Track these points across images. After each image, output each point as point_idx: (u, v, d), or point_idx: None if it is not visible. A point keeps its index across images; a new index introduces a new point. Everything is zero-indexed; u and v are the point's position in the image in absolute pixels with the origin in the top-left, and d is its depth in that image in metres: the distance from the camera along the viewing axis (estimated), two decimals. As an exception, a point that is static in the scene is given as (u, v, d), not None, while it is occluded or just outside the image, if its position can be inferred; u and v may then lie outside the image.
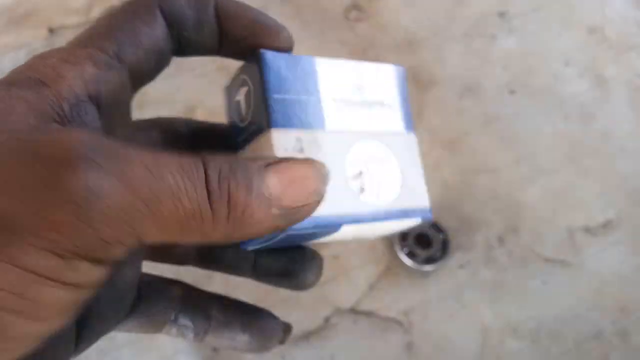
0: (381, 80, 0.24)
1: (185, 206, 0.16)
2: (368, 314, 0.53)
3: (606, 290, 0.54)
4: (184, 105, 0.61)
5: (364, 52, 0.63)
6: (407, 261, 0.54)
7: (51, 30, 0.62)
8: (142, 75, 0.22)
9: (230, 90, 0.24)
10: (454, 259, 0.55)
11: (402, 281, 0.54)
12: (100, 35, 0.21)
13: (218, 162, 0.17)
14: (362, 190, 0.21)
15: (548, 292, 0.54)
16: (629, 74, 0.63)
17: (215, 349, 0.51)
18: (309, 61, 0.22)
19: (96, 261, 0.16)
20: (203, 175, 0.17)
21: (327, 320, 0.53)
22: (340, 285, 0.54)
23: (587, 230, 0.56)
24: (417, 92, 0.61)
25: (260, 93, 0.21)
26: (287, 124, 0.21)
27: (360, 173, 0.22)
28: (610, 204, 0.57)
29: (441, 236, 0.55)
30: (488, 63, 0.63)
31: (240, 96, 0.22)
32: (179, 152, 0.17)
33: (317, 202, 0.19)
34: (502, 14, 0.66)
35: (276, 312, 0.56)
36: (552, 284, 0.54)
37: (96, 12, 0.61)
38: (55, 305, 0.16)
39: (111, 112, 0.21)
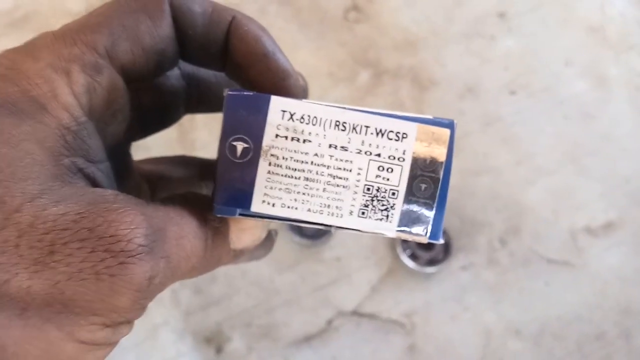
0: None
1: (193, 263, 0.20)
2: (370, 316, 0.53)
3: (609, 292, 0.54)
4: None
5: (363, 53, 0.63)
6: (409, 263, 0.54)
7: (50, 34, 0.62)
8: (138, 76, 0.21)
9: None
10: (456, 261, 0.55)
11: (405, 283, 0.54)
12: (93, 27, 0.19)
13: (212, 220, 0.21)
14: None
15: (550, 293, 0.54)
16: (630, 74, 0.63)
17: (218, 351, 0.51)
18: None
19: (132, 321, 0.19)
20: (205, 236, 0.20)
21: (329, 322, 0.53)
22: (342, 287, 0.54)
23: (589, 231, 0.56)
24: (417, 93, 0.61)
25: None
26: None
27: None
28: (611, 205, 0.57)
29: (443, 238, 0.55)
30: (488, 63, 0.63)
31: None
32: (191, 206, 0.20)
33: (255, 245, 0.23)
34: (501, 14, 0.66)
35: (278, 315, 0.56)
36: (554, 285, 0.54)
37: (95, 15, 0.60)
38: None
39: (105, 117, 0.20)
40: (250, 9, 0.66)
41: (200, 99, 0.26)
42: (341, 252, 0.55)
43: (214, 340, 0.52)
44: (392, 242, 0.55)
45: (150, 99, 0.25)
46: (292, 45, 0.63)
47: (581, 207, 0.57)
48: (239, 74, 0.22)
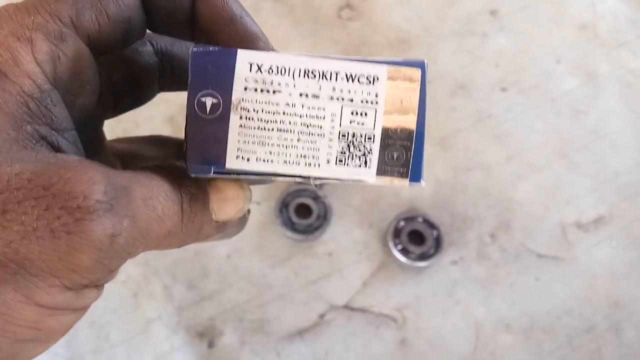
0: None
1: (168, 227, 0.19)
2: (362, 310, 0.53)
3: (598, 286, 0.55)
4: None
5: (356, 50, 0.63)
6: (401, 258, 0.54)
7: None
8: (105, 46, 0.20)
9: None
10: (447, 256, 0.55)
11: (396, 278, 0.55)
12: None
13: (188, 186, 0.20)
14: None
15: (540, 287, 0.55)
16: (620, 71, 0.64)
17: (211, 345, 0.52)
18: None
19: (99, 285, 0.18)
20: (180, 199, 0.20)
21: (321, 316, 0.53)
22: (334, 282, 0.54)
23: (579, 226, 0.57)
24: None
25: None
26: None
27: None
28: (601, 200, 0.58)
29: (434, 233, 0.55)
30: (480, 61, 0.64)
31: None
32: (164, 172, 0.20)
33: (239, 217, 0.22)
34: (493, 12, 0.66)
35: (270, 309, 0.56)
36: (544, 279, 0.55)
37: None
38: (63, 328, 0.18)
39: (72, 88, 0.20)
40: (243, 5, 0.67)
41: (174, 76, 0.26)
42: (333, 247, 0.55)
43: (207, 335, 0.52)
44: (384, 237, 0.55)
45: (122, 75, 0.24)
46: (286, 42, 0.63)
47: (571, 202, 0.58)
48: (208, 41, 0.21)
